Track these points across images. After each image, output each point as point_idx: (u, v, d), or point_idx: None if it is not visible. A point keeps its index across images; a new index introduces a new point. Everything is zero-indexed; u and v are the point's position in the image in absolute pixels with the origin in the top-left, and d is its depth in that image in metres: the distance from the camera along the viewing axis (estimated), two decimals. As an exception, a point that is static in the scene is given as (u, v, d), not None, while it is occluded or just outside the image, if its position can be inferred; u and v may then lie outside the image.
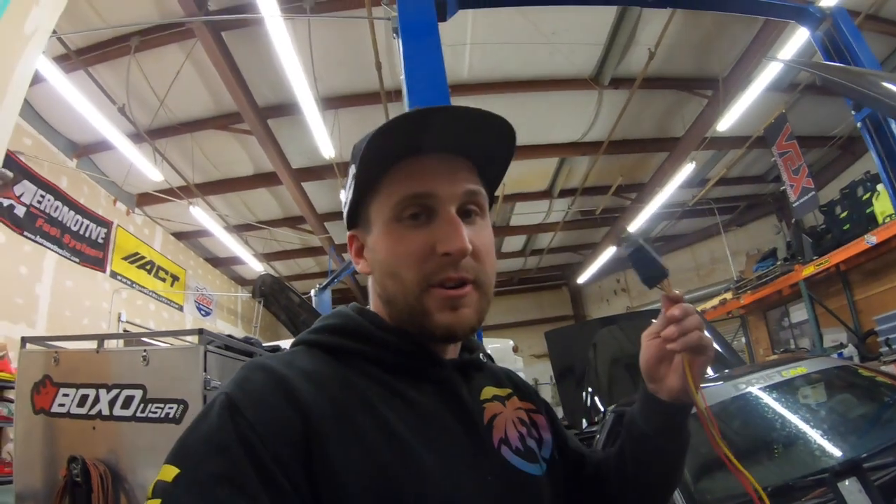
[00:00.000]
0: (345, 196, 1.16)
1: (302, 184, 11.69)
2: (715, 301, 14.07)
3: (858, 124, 5.49)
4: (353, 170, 1.09)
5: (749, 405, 3.28)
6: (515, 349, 11.43)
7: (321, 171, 11.43)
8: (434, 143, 1.03)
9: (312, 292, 12.47)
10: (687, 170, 11.93)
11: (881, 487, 2.04)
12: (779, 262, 12.44)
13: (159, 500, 0.79)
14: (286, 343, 8.92)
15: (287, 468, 0.82)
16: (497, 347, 10.94)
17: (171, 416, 3.71)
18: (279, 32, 6.77)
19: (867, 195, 9.80)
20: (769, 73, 8.84)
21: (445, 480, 0.92)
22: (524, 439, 1.14)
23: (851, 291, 11.48)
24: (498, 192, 10.06)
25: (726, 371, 4.25)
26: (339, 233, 13.97)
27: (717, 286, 15.64)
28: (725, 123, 10.31)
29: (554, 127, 11.30)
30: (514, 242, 18.06)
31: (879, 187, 8.72)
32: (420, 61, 4.26)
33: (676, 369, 1.13)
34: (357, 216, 1.14)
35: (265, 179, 11.86)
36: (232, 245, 13.29)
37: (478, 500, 0.95)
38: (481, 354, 1.27)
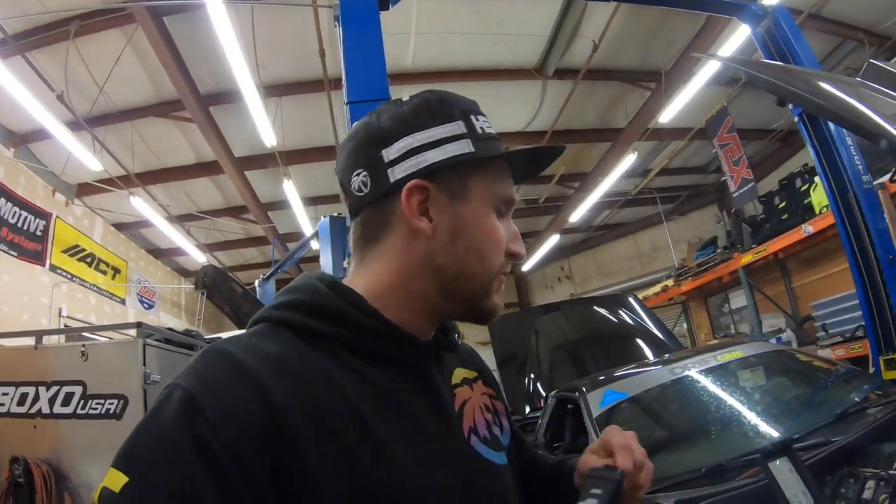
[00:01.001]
0: (427, 135, 1.03)
1: (245, 173, 11.45)
2: (657, 288, 14.34)
3: (795, 119, 5.61)
4: (461, 126, 1.05)
5: (686, 389, 3.37)
6: (460, 336, 11.45)
7: (264, 160, 11.18)
8: (520, 172, 1.15)
9: (256, 283, 12.33)
10: (629, 160, 12.10)
11: (811, 467, 2.11)
12: (719, 250, 12.74)
13: None
14: (226, 335, 8.83)
15: (250, 471, 0.77)
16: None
17: (111, 412, 3.67)
18: (221, 18, 6.58)
19: (805, 186, 10.06)
20: (711, 66, 8.98)
21: (419, 478, 0.90)
22: (490, 426, 1.14)
23: (789, 278, 11.86)
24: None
25: (665, 355, 4.32)
26: (282, 222, 13.84)
27: (659, 273, 15.87)
28: (668, 115, 10.47)
29: (498, 117, 11.07)
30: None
31: (816, 179, 8.95)
32: (360, 49, 4.25)
33: None
34: (440, 173, 1.02)
35: (207, 168, 11.58)
36: (174, 236, 12.96)
37: (450, 495, 0.94)
38: (455, 335, 1.23)
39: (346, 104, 4.11)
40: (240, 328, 10.37)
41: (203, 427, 0.77)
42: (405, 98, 1.09)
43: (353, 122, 4.26)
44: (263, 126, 9.03)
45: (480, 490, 1.01)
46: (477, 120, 1.07)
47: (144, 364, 3.76)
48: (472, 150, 1.03)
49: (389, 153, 1.02)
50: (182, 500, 0.73)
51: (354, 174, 1.05)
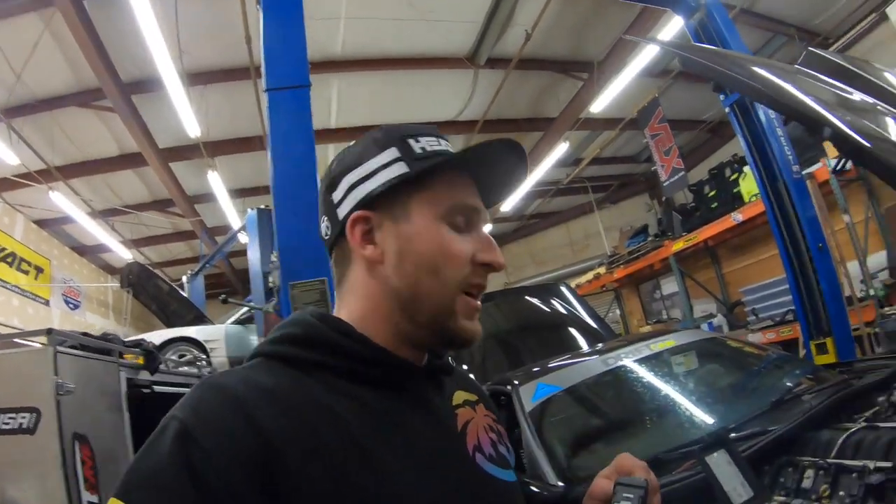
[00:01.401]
0: (366, 171, 1.07)
1: (169, 164, 11.10)
2: (589, 275, 14.56)
3: (727, 109, 5.72)
4: (394, 152, 1.06)
5: (619, 380, 3.36)
6: (455, 361, 11.40)
7: (189, 151, 10.81)
8: (486, 174, 1.12)
9: (184, 279, 12.05)
10: (561, 149, 12.22)
11: (749, 457, 2.12)
12: (650, 238, 12.96)
13: None
14: (153, 335, 8.55)
15: (241, 497, 0.79)
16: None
17: (24, 426, 3.42)
18: (142, 1, 6.33)
19: (734, 176, 10.30)
20: (644, 58, 9.14)
21: (416, 489, 0.91)
22: (496, 445, 1.14)
23: (719, 265, 12.22)
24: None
25: (598, 345, 4.32)
26: (210, 215, 13.51)
27: (591, 261, 16.14)
28: (599, 105, 10.61)
29: (430, 105, 11.22)
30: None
31: (746, 169, 9.16)
32: (281, 35, 4.17)
33: None
34: (380, 200, 1.05)
35: (131, 160, 11.15)
36: (98, 232, 12.55)
37: None
38: (449, 358, 1.23)
39: (265, 91, 4.00)
40: (167, 326, 10.13)
41: (197, 457, 0.79)
42: (355, 140, 1.14)
43: (272, 110, 4.15)
44: (187, 115, 8.77)
45: (483, 502, 1.02)
46: (417, 141, 1.07)
47: (56, 373, 3.51)
48: (407, 170, 1.04)
49: (336, 195, 1.09)
50: None
51: (321, 221, 1.14)
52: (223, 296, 5.86)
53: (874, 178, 8.68)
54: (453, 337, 1.05)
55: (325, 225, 1.13)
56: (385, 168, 1.05)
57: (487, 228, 1.13)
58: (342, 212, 1.07)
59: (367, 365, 1.00)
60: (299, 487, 0.82)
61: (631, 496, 1.01)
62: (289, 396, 0.90)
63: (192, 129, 9.14)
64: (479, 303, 1.07)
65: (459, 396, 1.18)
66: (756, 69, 2.38)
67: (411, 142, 1.07)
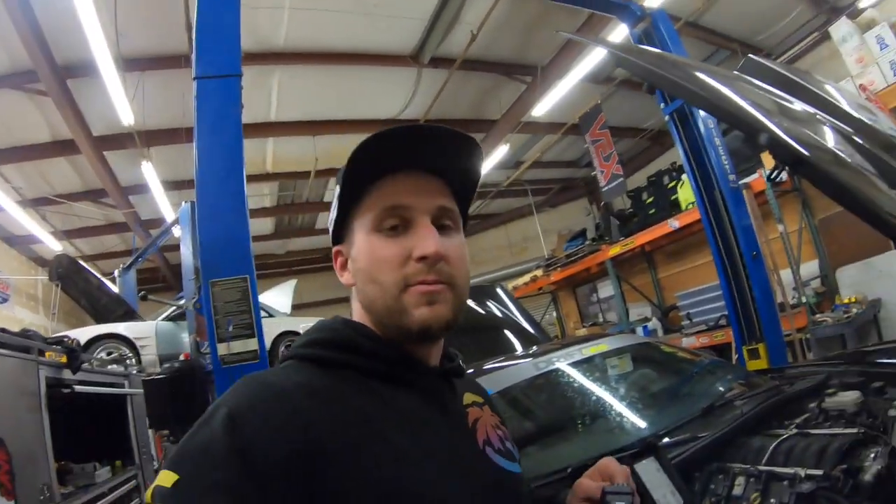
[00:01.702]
0: (330, 215, 1.23)
1: (104, 153, 10.67)
2: (526, 278, 14.60)
3: (666, 117, 5.77)
4: (337, 190, 1.18)
5: (551, 384, 3.31)
6: (465, 364, 11.29)
7: (123, 140, 10.34)
8: (410, 162, 1.12)
9: (116, 273, 11.66)
10: (501, 151, 12.33)
11: (679, 464, 2.09)
12: (588, 242, 13.10)
13: None
14: (80, 332, 8.25)
15: (283, 478, 0.85)
16: (309, 327, 10.82)
17: (-65, 427, 3.30)
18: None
19: (672, 183, 10.50)
20: (587, 63, 9.23)
21: (442, 487, 0.99)
22: (503, 441, 1.24)
23: (655, 270, 12.51)
24: (309, 168, 9.60)
25: (532, 348, 4.29)
26: (144, 207, 13.01)
27: (529, 263, 16.17)
28: (541, 109, 10.69)
29: (371, 102, 11.09)
30: (327, 218, 17.21)
31: (684, 177, 9.31)
32: (214, 20, 4.01)
33: None
34: (341, 233, 1.22)
35: (64, 147, 10.59)
36: (27, 222, 11.99)
37: (465, 499, 1.02)
38: (460, 362, 1.32)
39: (194, 79, 3.86)
40: (97, 322, 9.79)
41: (245, 440, 0.86)
42: None
43: (200, 99, 3.99)
44: (121, 102, 8.42)
45: (502, 496, 1.12)
46: (348, 163, 1.12)
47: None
48: (339, 193, 1.17)
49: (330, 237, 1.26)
50: (226, 494, 0.81)
51: None
52: (143, 292, 5.68)
53: (809, 189, 9.00)
54: (411, 329, 1.08)
55: None
56: (335, 205, 1.20)
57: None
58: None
59: (391, 365, 1.11)
60: (337, 479, 0.89)
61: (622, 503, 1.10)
62: (325, 393, 0.99)
63: (127, 116, 8.79)
64: (432, 286, 1.08)
65: (468, 397, 1.28)
66: (693, 72, 2.36)
67: (346, 168, 1.13)
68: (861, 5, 9.32)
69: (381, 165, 1.12)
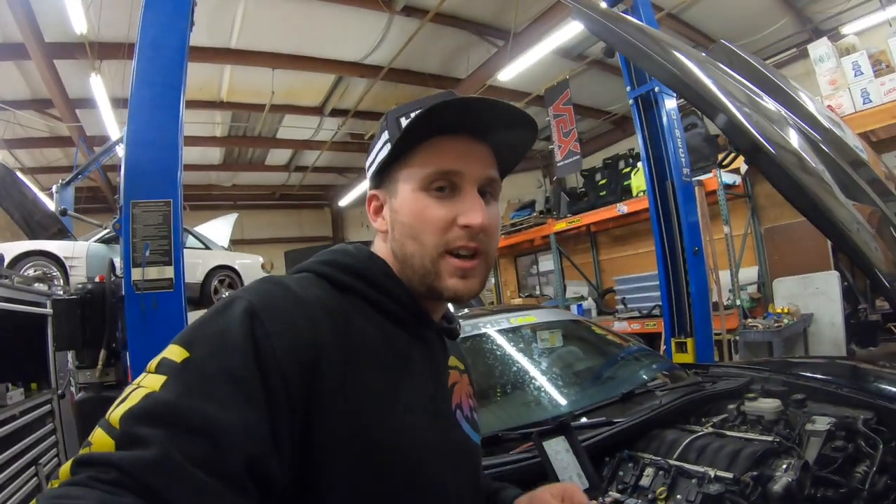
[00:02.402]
0: (372, 157, 1.22)
1: (54, 61, 10.13)
2: (469, 241, 14.55)
3: (630, 101, 5.73)
4: (386, 134, 1.17)
5: (474, 349, 3.24)
6: (265, 266, 11.15)
7: (75, 50, 9.89)
8: (468, 128, 1.13)
9: (54, 188, 11.23)
10: (462, 111, 12.08)
11: (590, 447, 2.08)
12: (535, 214, 13.27)
13: (164, 378, 0.81)
14: (8, 247, 7.94)
15: (291, 384, 0.87)
16: (247, 264, 10.69)
17: None
18: None
19: (627, 169, 10.62)
20: (561, 35, 9.13)
21: (418, 422, 1.04)
22: (472, 411, 1.30)
23: (597, 251, 12.75)
24: (265, 101, 9.38)
25: (463, 311, 4.25)
26: (90, 123, 12.38)
27: (476, 227, 16.10)
28: (509, 74, 10.60)
29: (336, 43, 10.82)
30: (279, 155, 17.29)
31: (640, 165, 9.36)
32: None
33: None
34: (383, 178, 1.20)
35: (13, 51, 10.00)
36: None
37: (436, 447, 1.07)
38: (458, 325, 1.33)
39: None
40: (30, 237, 9.43)
41: (261, 333, 0.88)
42: None
43: (147, 9, 3.76)
44: (75, 9, 7.94)
45: (460, 456, 1.17)
46: (407, 118, 1.14)
47: None
48: (391, 146, 1.15)
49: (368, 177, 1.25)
50: (233, 382, 0.82)
51: None
52: (63, 207, 5.42)
53: (759, 197, 9.16)
54: (441, 294, 1.12)
55: None
56: (381, 150, 1.18)
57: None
58: (370, 191, 1.24)
59: (401, 306, 1.13)
60: (335, 391, 0.92)
61: None
62: (337, 311, 1.01)
63: (80, 24, 8.34)
64: (466, 262, 1.11)
65: (453, 361, 1.31)
66: (658, 42, 2.27)
67: (402, 120, 1.15)
68: (844, 31, 9.45)
69: (441, 125, 1.11)
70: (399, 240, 1.14)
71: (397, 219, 1.15)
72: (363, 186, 16.92)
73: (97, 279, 4.41)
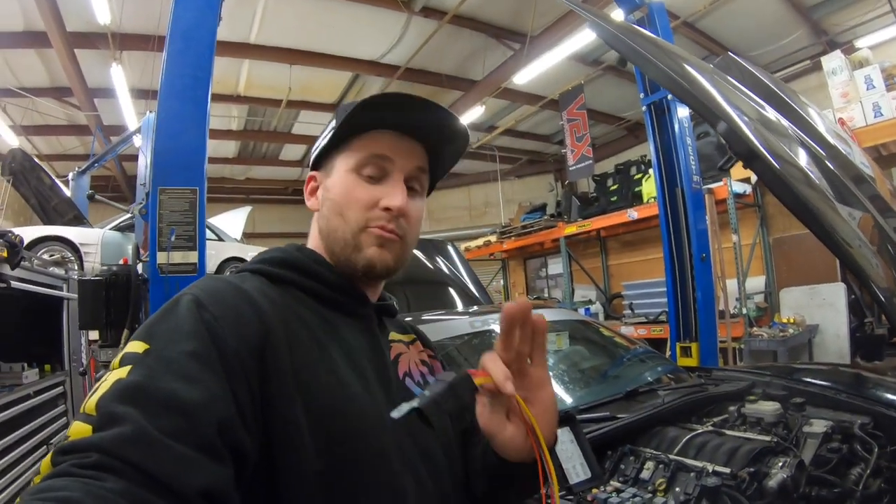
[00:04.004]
0: (318, 143, 1.30)
1: (75, 51, 10.21)
2: (480, 241, 14.75)
3: (644, 108, 5.78)
4: (333, 123, 1.24)
5: (484, 344, 3.30)
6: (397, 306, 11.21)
7: (97, 40, 9.97)
8: (403, 125, 1.22)
9: (70, 175, 11.30)
10: (476, 112, 12.31)
11: (594, 440, 2.15)
12: (546, 217, 13.22)
13: (129, 367, 0.84)
14: (26, 230, 8.02)
15: (244, 363, 0.91)
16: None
17: None
18: None
19: (639, 175, 10.61)
20: (577, 41, 9.15)
21: (365, 397, 1.07)
22: (424, 376, 1.32)
23: (606, 256, 12.73)
24: (282, 97, 9.40)
25: (472, 308, 4.32)
26: (108, 112, 12.52)
27: (486, 228, 16.24)
28: (524, 78, 10.59)
29: (354, 41, 10.86)
30: (293, 151, 17.26)
31: (651, 171, 9.37)
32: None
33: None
34: (322, 161, 1.29)
35: (35, 39, 10.11)
36: None
37: (385, 415, 1.04)
38: (394, 303, 1.41)
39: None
40: (45, 223, 9.51)
41: (208, 317, 0.93)
42: None
43: (177, 1, 3.86)
44: (99, -1, 8.06)
45: (413, 420, 1.08)
46: (354, 109, 1.18)
47: None
48: (335, 126, 1.23)
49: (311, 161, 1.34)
50: (195, 359, 0.86)
51: None
52: (91, 191, 5.50)
53: (769, 207, 9.18)
54: (362, 267, 1.19)
55: None
56: (325, 137, 1.26)
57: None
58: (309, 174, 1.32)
59: (333, 289, 1.20)
60: (283, 372, 0.97)
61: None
62: (276, 299, 1.07)
63: (103, 15, 8.44)
64: (385, 233, 1.18)
65: (394, 335, 1.37)
66: (665, 52, 2.35)
67: (344, 106, 1.23)
68: (858, 44, 9.45)
69: (380, 118, 1.20)
70: (326, 216, 1.23)
71: (328, 196, 1.24)
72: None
73: (121, 262, 4.49)
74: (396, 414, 0.99)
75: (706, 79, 2.07)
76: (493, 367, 1.01)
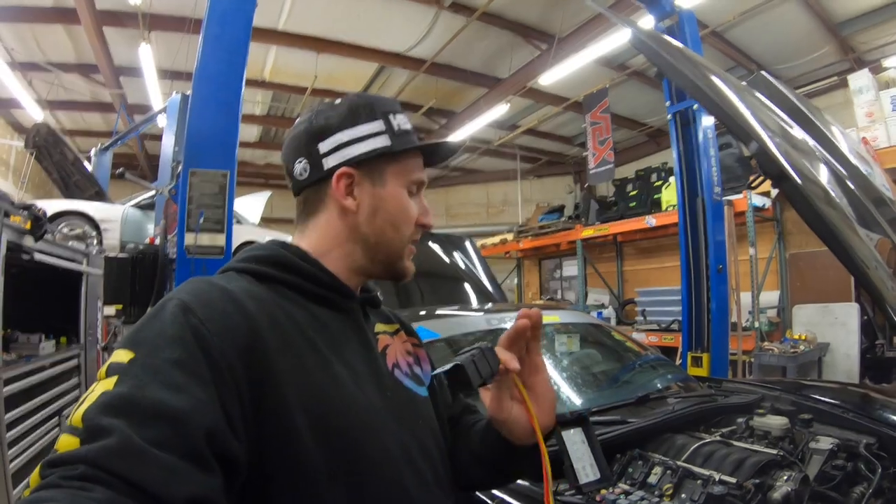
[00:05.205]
0: (351, 137, 1.27)
1: (103, 28, 10.23)
2: (496, 239, 14.86)
3: (669, 116, 5.79)
4: (380, 125, 1.28)
5: (495, 341, 3.34)
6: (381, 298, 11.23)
7: (126, 19, 9.95)
8: (432, 158, 1.39)
9: (93, 151, 11.36)
10: (500, 110, 12.26)
11: (604, 442, 2.15)
12: (563, 219, 13.28)
13: (115, 378, 0.85)
14: (47, 203, 8.07)
15: (232, 367, 0.93)
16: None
17: None
18: None
19: (659, 183, 10.60)
20: (605, 45, 9.14)
21: (357, 391, 1.11)
22: (411, 367, 1.37)
23: (622, 261, 12.76)
24: (307, 84, 9.40)
25: (487, 305, 4.35)
26: (133, 90, 12.52)
27: (503, 226, 16.24)
28: (550, 79, 10.56)
29: (382, 32, 10.83)
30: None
31: (672, 180, 9.38)
32: None
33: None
34: (364, 162, 1.26)
35: (63, 15, 10.02)
36: (13, 84, 11.29)
37: (381, 409, 1.15)
38: (378, 294, 1.45)
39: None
40: (66, 197, 9.58)
41: (195, 321, 0.94)
42: (338, 101, 1.35)
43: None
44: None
45: (407, 411, 1.24)
46: (395, 118, 1.30)
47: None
48: (389, 143, 1.27)
49: (324, 146, 1.27)
50: (180, 367, 0.87)
51: (297, 161, 1.30)
52: (121, 169, 5.55)
53: (787, 223, 9.16)
54: (399, 273, 1.33)
55: (301, 166, 1.29)
56: (373, 137, 1.26)
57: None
58: (328, 163, 1.26)
59: (318, 285, 1.22)
60: (274, 373, 0.99)
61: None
62: (263, 298, 1.09)
63: (134, -8, 8.50)
64: (413, 248, 1.33)
65: (380, 327, 1.39)
66: (702, 70, 2.38)
67: (391, 118, 1.29)
68: (886, 64, 9.40)
69: (416, 140, 1.32)
70: (379, 224, 1.27)
71: (382, 206, 1.27)
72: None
73: (147, 241, 4.56)
74: (441, 371, 1.14)
75: (740, 98, 2.10)
76: (501, 351, 1.20)
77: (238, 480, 0.90)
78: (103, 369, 0.88)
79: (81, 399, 0.84)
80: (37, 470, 0.75)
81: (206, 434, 0.83)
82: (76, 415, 0.80)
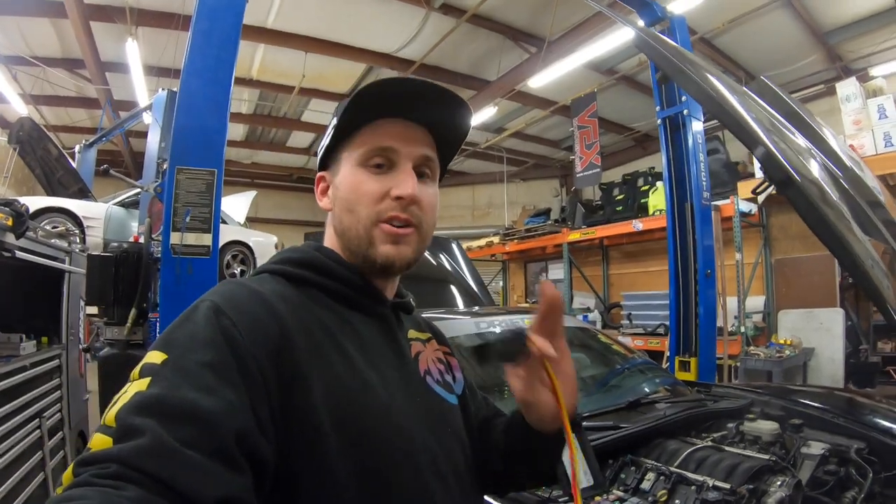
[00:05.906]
0: (322, 142, 1.29)
1: (90, 23, 10.05)
2: (482, 241, 14.82)
3: (658, 121, 5.80)
4: (334, 121, 1.24)
5: (486, 345, 3.32)
6: (278, 246, 11.16)
7: (114, 14, 9.86)
8: (402, 111, 1.21)
9: (77, 148, 11.26)
10: (488, 113, 12.32)
11: (596, 448, 2.12)
12: (549, 222, 13.28)
13: (148, 379, 0.85)
14: (30, 200, 7.99)
15: (262, 368, 0.92)
16: (260, 242, 10.70)
17: None
18: None
19: (646, 187, 10.67)
20: (595, 49, 9.20)
21: (386, 396, 1.09)
22: (443, 374, 1.34)
23: (608, 265, 12.79)
24: (294, 84, 9.36)
25: (475, 308, 4.33)
26: (119, 86, 12.42)
27: (489, 229, 16.29)
28: (538, 82, 10.62)
29: (371, 33, 10.84)
30: (300, 138, 17.20)
31: (659, 184, 9.44)
32: None
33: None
34: (329, 160, 1.28)
35: (50, 8, 9.91)
36: None
37: (410, 415, 1.13)
38: (411, 300, 1.40)
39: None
40: (49, 195, 9.48)
41: (227, 324, 0.94)
42: None
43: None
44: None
45: (436, 418, 1.22)
46: (352, 98, 1.19)
47: None
48: (336, 123, 1.23)
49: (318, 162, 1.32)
50: (212, 370, 0.87)
51: None
52: (105, 165, 5.49)
53: (773, 228, 9.22)
54: (375, 261, 1.19)
55: None
56: (328, 135, 1.26)
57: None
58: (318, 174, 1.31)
59: (352, 289, 1.20)
60: (304, 376, 0.98)
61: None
62: (295, 302, 1.09)
63: (122, -13, 8.43)
64: (401, 230, 1.18)
65: (412, 334, 1.36)
66: (708, 75, 2.37)
67: (346, 101, 1.20)
68: (873, 72, 9.48)
69: (379, 108, 1.20)
70: (338, 215, 1.22)
71: (337, 195, 1.23)
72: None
73: (131, 239, 4.51)
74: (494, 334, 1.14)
75: (743, 105, 2.09)
76: (535, 337, 1.13)
77: (267, 481, 0.90)
78: (137, 370, 0.89)
79: (115, 399, 0.85)
80: (70, 468, 0.76)
81: (237, 435, 0.84)
82: (109, 414, 0.81)
